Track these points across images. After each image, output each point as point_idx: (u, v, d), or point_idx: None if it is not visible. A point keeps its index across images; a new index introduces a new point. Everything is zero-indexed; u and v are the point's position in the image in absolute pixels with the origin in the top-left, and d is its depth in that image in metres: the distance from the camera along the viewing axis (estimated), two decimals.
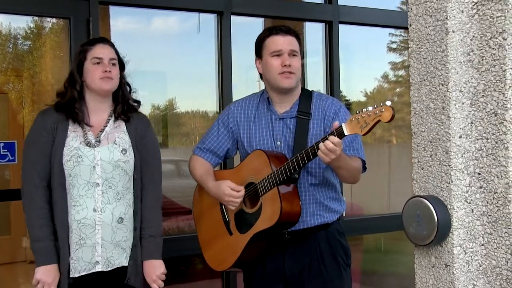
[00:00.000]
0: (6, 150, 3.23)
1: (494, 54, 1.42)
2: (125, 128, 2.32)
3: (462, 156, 1.47)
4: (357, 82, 5.01)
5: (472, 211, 1.47)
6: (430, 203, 1.48)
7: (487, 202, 1.44)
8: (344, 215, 2.56)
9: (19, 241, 4.96)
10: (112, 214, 2.23)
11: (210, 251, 2.48)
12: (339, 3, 3.98)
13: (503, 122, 1.40)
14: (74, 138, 2.24)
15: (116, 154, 2.25)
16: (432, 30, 1.52)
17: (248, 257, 2.36)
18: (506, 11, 1.39)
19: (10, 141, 3.32)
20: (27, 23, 4.29)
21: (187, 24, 4.30)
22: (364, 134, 2.02)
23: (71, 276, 2.20)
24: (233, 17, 3.62)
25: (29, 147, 2.27)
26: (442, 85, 1.49)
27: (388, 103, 1.94)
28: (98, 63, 2.26)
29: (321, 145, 2.07)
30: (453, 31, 1.48)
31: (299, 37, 2.39)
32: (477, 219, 1.47)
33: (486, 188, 1.45)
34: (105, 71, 2.25)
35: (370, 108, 1.97)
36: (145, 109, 4.60)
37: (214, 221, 2.44)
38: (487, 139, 1.44)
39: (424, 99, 1.55)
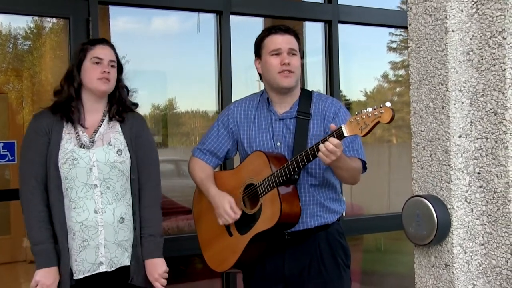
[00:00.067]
0: (5, 150, 3.24)
1: (494, 53, 1.41)
2: (119, 129, 2.32)
3: (461, 156, 1.47)
4: (357, 82, 5.01)
5: (472, 211, 1.47)
6: (430, 203, 1.47)
7: (487, 202, 1.44)
8: (344, 215, 2.56)
9: (19, 241, 4.95)
10: (113, 214, 2.23)
11: (210, 251, 2.48)
12: (339, 3, 3.98)
13: (502, 122, 1.40)
14: (68, 140, 2.24)
15: (112, 155, 2.25)
16: (431, 30, 1.52)
17: (248, 258, 2.36)
18: (506, 10, 1.39)
19: (10, 141, 3.32)
20: (27, 23, 4.29)
21: (186, 24, 4.30)
22: (364, 135, 2.02)
23: (74, 277, 2.20)
24: (232, 17, 3.61)
25: (25, 150, 2.27)
26: (442, 84, 1.49)
27: (388, 104, 1.94)
28: (97, 63, 2.26)
29: (321, 146, 2.07)
30: (453, 31, 1.47)
31: (298, 36, 2.39)
32: (477, 219, 1.47)
33: (486, 188, 1.44)
34: (104, 72, 2.25)
35: (370, 109, 1.97)
36: (145, 109, 4.60)
37: (214, 222, 2.43)
38: (487, 138, 1.44)
39: (423, 99, 1.54)
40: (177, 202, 4.30)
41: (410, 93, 1.60)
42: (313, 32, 4.14)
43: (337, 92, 3.92)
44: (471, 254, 1.47)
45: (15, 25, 4.22)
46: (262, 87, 2.50)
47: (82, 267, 2.20)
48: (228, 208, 2.31)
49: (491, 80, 1.42)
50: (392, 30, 4.90)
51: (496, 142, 1.42)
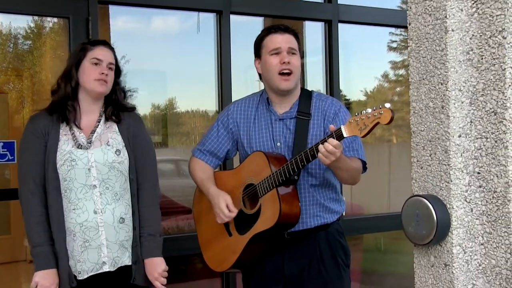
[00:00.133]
0: (5, 150, 3.24)
1: (494, 53, 1.41)
2: (117, 129, 2.31)
3: (461, 155, 1.47)
4: (357, 82, 5.01)
5: (472, 211, 1.47)
6: (430, 203, 1.47)
7: (487, 202, 1.44)
8: (343, 215, 2.56)
9: (19, 241, 4.95)
10: (113, 214, 2.23)
11: (209, 251, 2.48)
12: (338, 2, 3.98)
13: (502, 121, 1.40)
14: (65, 141, 2.24)
15: (110, 155, 2.25)
16: (431, 29, 1.51)
17: (248, 258, 2.36)
18: (506, 9, 1.39)
19: (9, 141, 3.32)
20: (28, 22, 4.29)
21: (186, 23, 4.30)
22: (363, 136, 2.02)
23: (79, 278, 2.20)
24: (232, 17, 3.61)
25: (23, 153, 2.27)
26: (442, 84, 1.49)
27: (387, 105, 1.94)
28: (96, 64, 2.26)
29: (320, 147, 2.06)
30: (453, 30, 1.47)
31: (297, 36, 2.39)
32: (476, 219, 1.47)
33: (486, 187, 1.44)
34: (102, 73, 2.24)
35: (369, 110, 1.97)
36: (145, 109, 4.60)
37: (214, 222, 2.43)
38: (487, 138, 1.43)
39: (423, 98, 1.54)
40: (177, 202, 4.30)
41: (409, 93, 1.59)
42: (313, 31, 4.13)
43: (337, 92, 3.92)
44: (470, 254, 1.47)
45: (16, 24, 4.22)
46: (262, 87, 2.49)
47: (85, 267, 2.21)
48: (223, 206, 2.31)
49: (491, 79, 1.42)
50: (393, 29, 4.90)
51: (496, 141, 1.41)
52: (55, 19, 4.08)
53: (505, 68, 1.39)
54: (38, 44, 4.49)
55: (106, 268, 2.23)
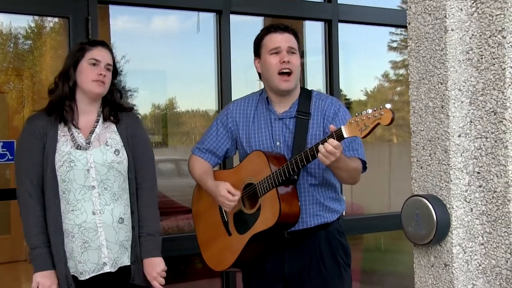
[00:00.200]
0: (5, 150, 3.24)
1: (493, 52, 1.41)
2: (115, 129, 2.31)
3: (461, 155, 1.47)
4: (358, 81, 5.01)
5: (472, 210, 1.47)
6: (429, 202, 1.47)
7: (487, 201, 1.44)
8: (344, 214, 2.56)
9: (19, 241, 4.93)
10: (112, 215, 2.23)
11: (209, 251, 2.48)
12: (338, 2, 3.98)
13: (502, 121, 1.39)
14: (64, 142, 2.23)
15: (109, 155, 2.24)
16: (431, 29, 1.51)
17: (247, 258, 2.35)
18: (505, 9, 1.39)
19: (9, 141, 3.32)
20: (28, 22, 4.29)
21: (186, 23, 4.30)
22: (364, 137, 2.02)
23: (81, 278, 2.20)
24: (232, 16, 3.61)
25: (21, 155, 2.27)
26: (441, 83, 1.48)
27: (388, 106, 1.93)
28: (94, 64, 2.25)
29: (320, 147, 2.06)
30: (452, 30, 1.47)
31: (297, 35, 2.38)
32: (476, 218, 1.46)
33: (486, 187, 1.44)
34: (100, 74, 2.24)
35: (370, 111, 1.97)
36: (145, 108, 4.60)
37: (213, 221, 2.43)
38: (487, 138, 1.43)
39: (423, 98, 1.54)
40: (177, 201, 4.30)
41: (409, 92, 1.59)
42: (313, 31, 4.13)
43: (337, 92, 3.92)
44: (470, 253, 1.47)
45: (16, 24, 4.22)
46: (262, 87, 2.49)
47: (86, 268, 2.21)
48: (225, 192, 2.30)
49: (491, 79, 1.41)
50: (393, 29, 4.90)
51: (495, 141, 1.41)
52: (56, 19, 4.08)
53: (504, 68, 1.39)
54: (39, 44, 4.49)
55: (107, 269, 2.23)
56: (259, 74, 2.44)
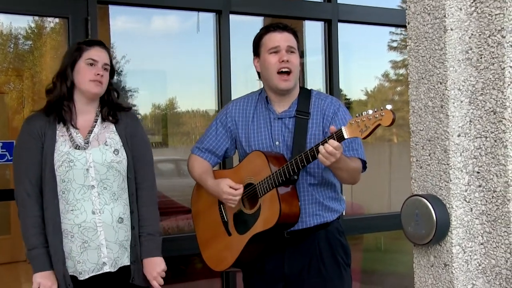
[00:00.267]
0: (4, 150, 3.24)
1: (493, 52, 1.41)
2: (114, 129, 2.31)
3: (461, 155, 1.46)
4: (358, 81, 5.01)
5: (471, 210, 1.46)
6: (429, 202, 1.47)
7: (486, 201, 1.44)
8: (344, 214, 2.55)
9: (19, 241, 4.93)
10: (112, 214, 2.23)
11: (208, 251, 2.48)
12: (338, 2, 3.98)
13: (502, 121, 1.39)
14: (63, 142, 2.23)
15: (109, 155, 2.24)
16: (430, 28, 1.51)
17: (247, 258, 2.35)
18: (505, 8, 1.39)
19: (9, 141, 3.32)
20: (28, 22, 4.29)
21: (186, 23, 4.30)
22: (364, 138, 2.01)
23: (81, 278, 2.20)
24: (232, 16, 3.61)
25: (19, 155, 2.26)
26: (441, 83, 1.48)
27: (389, 107, 1.93)
28: (91, 64, 2.25)
29: (321, 148, 2.06)
30: (452, 29, 1.47)
31: (296, 34, 2.38)
32: (476, 218, 1.46)
33: (485, 187, 1.44)
34: (97, 74, 2.24)
35: (370, 112, 1.96)
36: (145, 109, 4.60)
37: (213, 221, 2.43)
38: (486, 137, 1.43)
39: (422, 98, 1.54)
40: (177, 201, 4.30)
41: (409, 92, 1.59)
42: (313, 31, 4.13)
43: (337, 91, 3.92)
44: (470, 253, 1.46)
45: (16, 25, 4.22)
46: (262, 86, 2.49)
47: (86, 268, 2.21)
48: (227, 188, 2.29)
49: (490, 78, 1.41)
50: (393, 29, 4.89)
51: (495, 141, 1.41)
52: (56, 19, 4.08)
53: (504, 67, 1.38)
54: (39, 44, 4.49)
55: (106, 269, 2.22)
56: (258, 73, 2.43)
